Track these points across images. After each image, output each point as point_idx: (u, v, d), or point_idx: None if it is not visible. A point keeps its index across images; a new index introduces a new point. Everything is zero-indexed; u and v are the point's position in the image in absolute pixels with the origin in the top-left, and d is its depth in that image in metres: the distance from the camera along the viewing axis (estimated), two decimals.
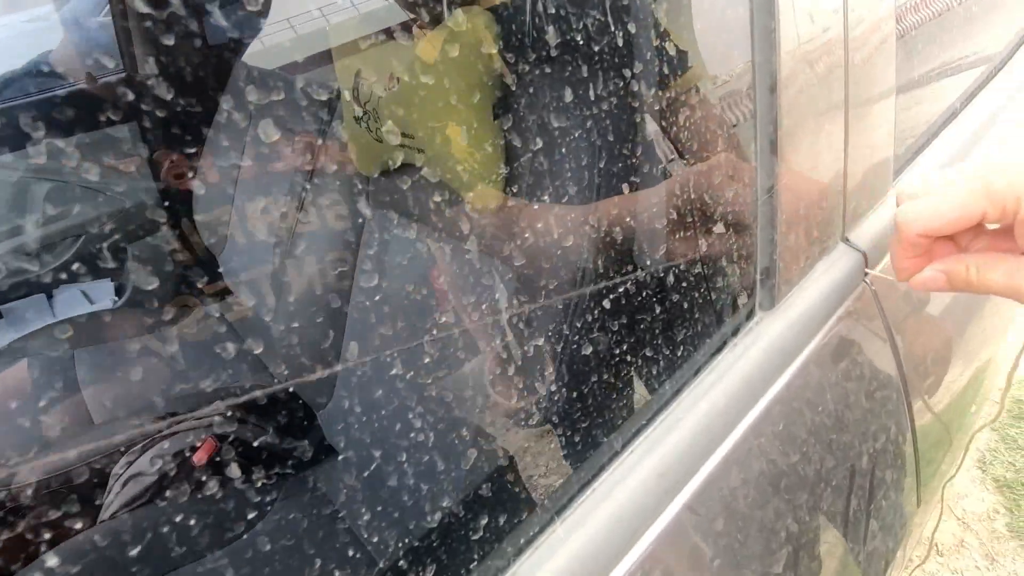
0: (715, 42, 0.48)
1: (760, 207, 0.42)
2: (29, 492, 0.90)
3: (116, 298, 1.48)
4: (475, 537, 0.31)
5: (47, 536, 0.85)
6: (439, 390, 0.63)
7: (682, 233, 0.40)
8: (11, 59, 1.27)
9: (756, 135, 0.41)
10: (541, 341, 0.46)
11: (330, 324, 0.96)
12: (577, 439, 0.42)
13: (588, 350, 0.41)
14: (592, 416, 0.43)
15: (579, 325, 0.43)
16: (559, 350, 0.44)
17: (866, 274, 0.51)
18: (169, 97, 1.21)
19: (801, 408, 0.43)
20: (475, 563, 0.30)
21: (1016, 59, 0.82)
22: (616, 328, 0.40)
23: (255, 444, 1.01)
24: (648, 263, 0.41)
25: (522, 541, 0.31)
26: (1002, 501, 1.54)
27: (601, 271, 0.42)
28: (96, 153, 1.38)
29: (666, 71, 0.46)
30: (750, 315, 0.45)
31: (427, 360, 0.66)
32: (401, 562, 0.43)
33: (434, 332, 0.70)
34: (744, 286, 0.44)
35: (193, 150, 1.30)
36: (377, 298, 0.85)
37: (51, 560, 0.72)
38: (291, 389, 1.08)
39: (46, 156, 1.35)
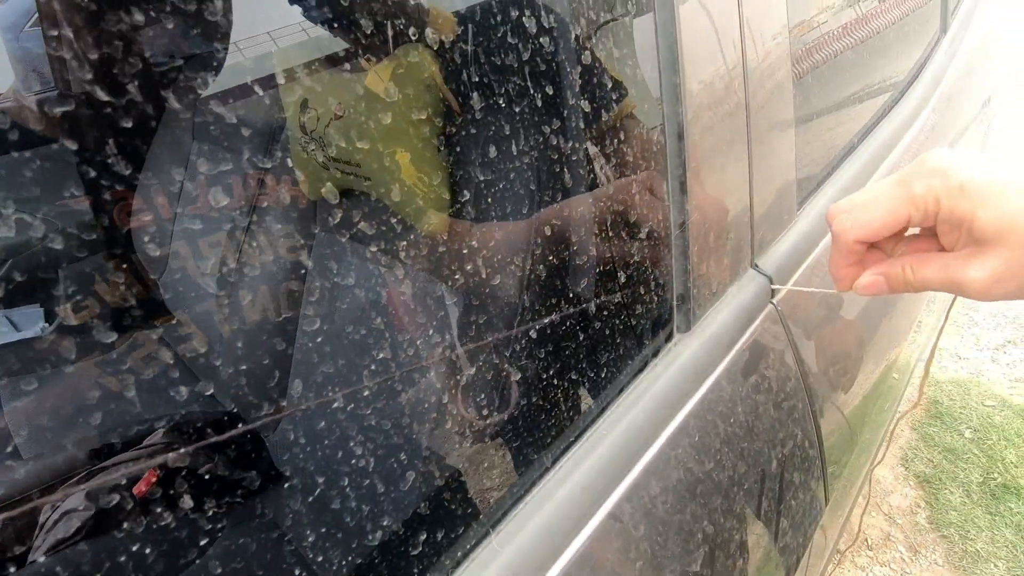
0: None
1: (674, 240, 0.46)
2: None
3: (46, 324, 1.41)
4: (415, 552, 0.34)
5: None
6: (389, 412, 0.65)
7: (606, 248, 0.44)
8: None
9: (667, 177, 0.46)
10: (490, 361, 0.49)
11: (277, 351, 0.95)
12: (521, 450, 0.45)
13: (521, 372, 0.44)
14: (534, 428, 0.46)
15: (516, 346, 0.46)
16: (503, 368, 0.47)
17: (773, 293, 0.56)
18: (106, 117, 1.19)
19: (715, 420, 0.48)
20: (417, 573, 0.33)
21: (907, 98, 0.92)
22: (544, 353, 0.43)
23: (199, 473, 0.98)
24: (577, 283, 0.45)
25: (459, 554, 0.34)
26: (923, 495, 1.66)
27: (536, 292, 0.45)
28: (24, 174, 1.33)
29: (603, 101, 0.50)
30: (669, 337, 0.49)
31: (377, 384, 0.68)
32: None
33: (384, 357, 0.71)
34: (662, 311, 0.48)
35: (131, 173, 1.27)
36: (325, 324, 0.86)
37: None
38: (237, 415, 1.06)
39: None
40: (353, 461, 0.52)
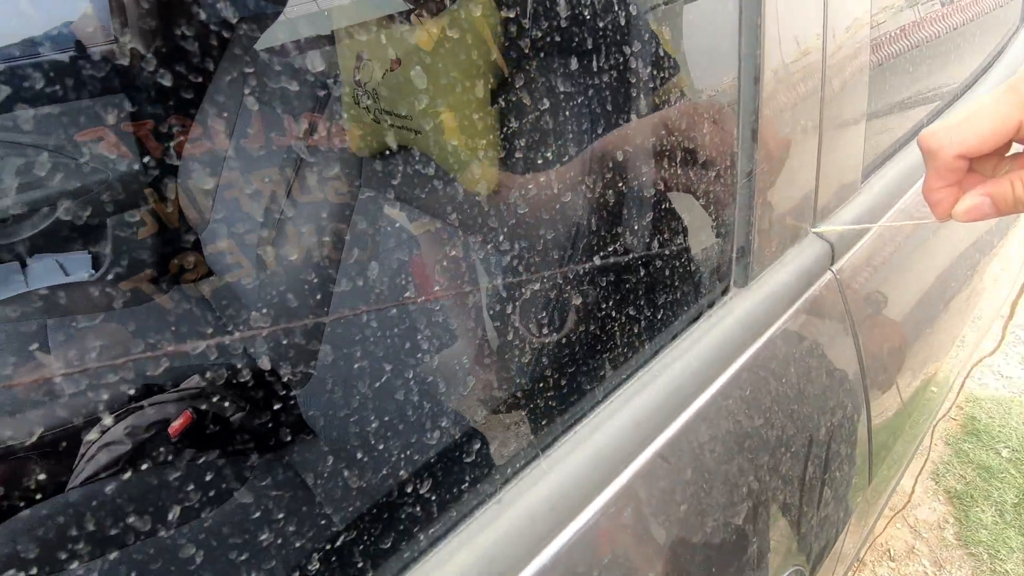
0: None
1: (739, 189, 0.45)
2: None
3: (93, 271, 1.46)
4: (468, 460, 0.34)
5: (14, 498, 0.85)
6: (419, 373, 0.65)
7: (667, 183, 0.43)
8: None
9: (739, 123, 0.44)
10: (526, 323, 0.49)
11: (314, 303, 0.96)
12: (575, 380, 0.44)
13: (581, 297, 0.43)
14: (588, 359, 0.45)
15: (575, 272, 0.45)
16: (561, 291, 0.46)
17: (833, 260, 0.55)
18: (162, 68, 1.22)
19: (767, 378, 0.46)
20: (467, 485, 0.32)
21: (980, 84, 0.88)
22: (602, 285, 0.42)
23: (232, 419, 1.01)
24: (641, 218, 0.44)
25: (508, 471, 0.34)
26: (952, 512, 1.61)
27: (591, 234, 0.44)
28: (80, 122, 1.37)
29: (657, 72, 0.49)
30: (725, 291, 0.48)
31: (408, 343, 0.68)
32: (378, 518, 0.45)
33: (416, 316, 0.72)
34: (721, 263, 0.47)
35: (183, 123, 1.30)
36: (363, 280, 0.87)
37: (17, 522, 0.72)
38: (270, 367, 1.08)
39: (28, 122, 1.34)
40: (386, 419, 0.52)
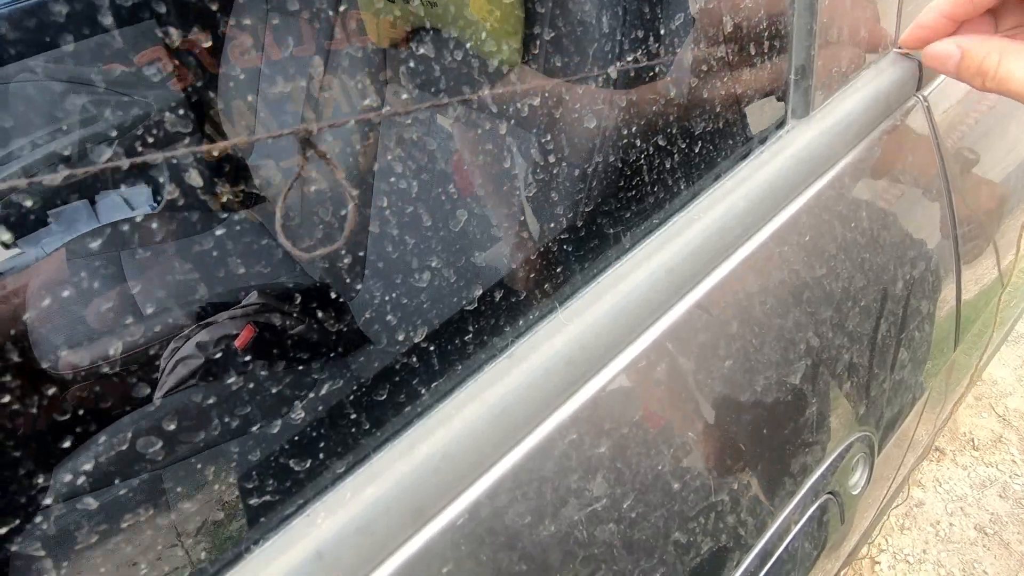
0: None
1: None
2: (91, 374, 0.97)
3: (154, 204, 1.51)
4: (470, 308, 0.30)
5: (110, 411, 0.92)
6: (463, 269, 0.63)
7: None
8: None
9: None
10: (564, 187, 0.43)
11: (354, 211, 0.95)
12: (594, 222, 0.40)
13: (596, 121, 0.37)
14: (610, 199, 0.40)
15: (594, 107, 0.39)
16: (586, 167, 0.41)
17: (920, 83, 0.45)
18: None
19: (832, 222, 0.40)
20: (471, 338, 0.29)
21: None
22: (626, 105, 0.36)
23: (292, 331, 1.05)
24: (670, 22, 0.36)
25: (521, 324, 0.31)
26: None
27: (624, 26, 0.37)
28: (120, 52, 1.36)
29: None
30: (781, 124, 0.40)
31: (451, 241, 0.65)
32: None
33: (457, 214, 0.68)
34: (775, 87, 0.39)
35: (212, 46, 1.28)
36: (399, 178, 0.83)
37: (112, 433, 0.78)
38: (322, 279, 1.10)
39: (69, 59, 1.35)
40: (434, 318, 0.49)
